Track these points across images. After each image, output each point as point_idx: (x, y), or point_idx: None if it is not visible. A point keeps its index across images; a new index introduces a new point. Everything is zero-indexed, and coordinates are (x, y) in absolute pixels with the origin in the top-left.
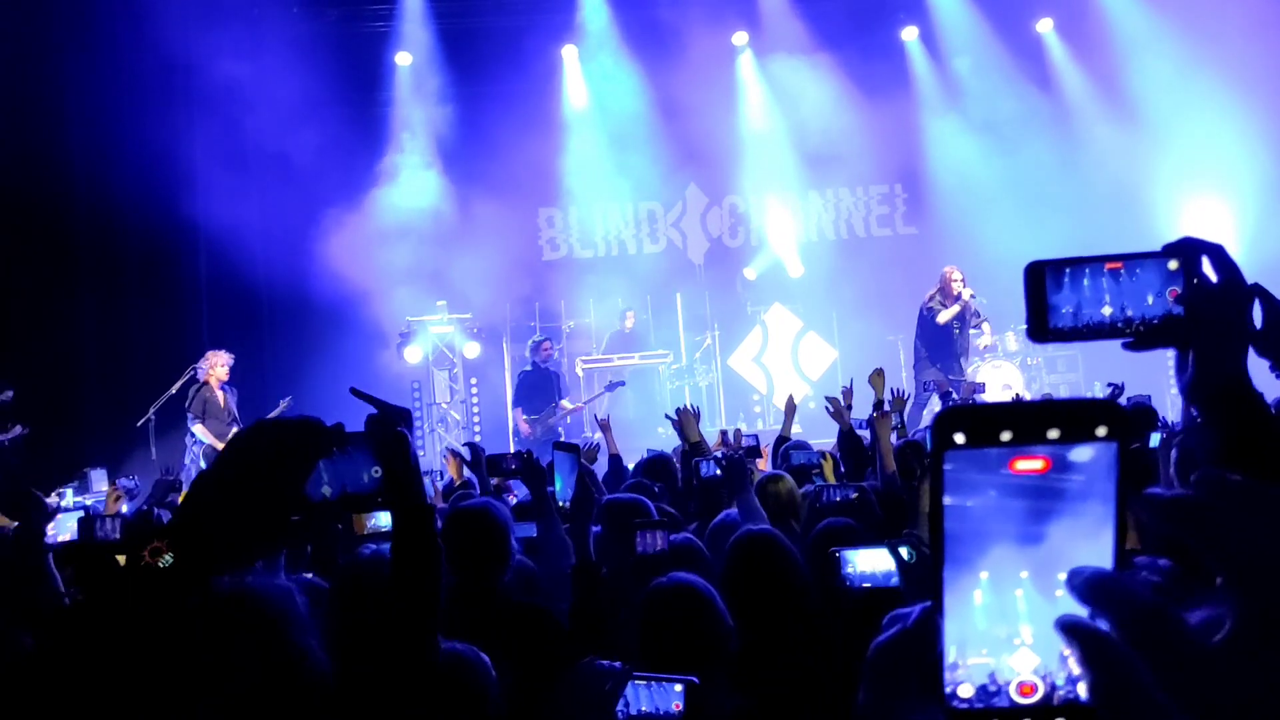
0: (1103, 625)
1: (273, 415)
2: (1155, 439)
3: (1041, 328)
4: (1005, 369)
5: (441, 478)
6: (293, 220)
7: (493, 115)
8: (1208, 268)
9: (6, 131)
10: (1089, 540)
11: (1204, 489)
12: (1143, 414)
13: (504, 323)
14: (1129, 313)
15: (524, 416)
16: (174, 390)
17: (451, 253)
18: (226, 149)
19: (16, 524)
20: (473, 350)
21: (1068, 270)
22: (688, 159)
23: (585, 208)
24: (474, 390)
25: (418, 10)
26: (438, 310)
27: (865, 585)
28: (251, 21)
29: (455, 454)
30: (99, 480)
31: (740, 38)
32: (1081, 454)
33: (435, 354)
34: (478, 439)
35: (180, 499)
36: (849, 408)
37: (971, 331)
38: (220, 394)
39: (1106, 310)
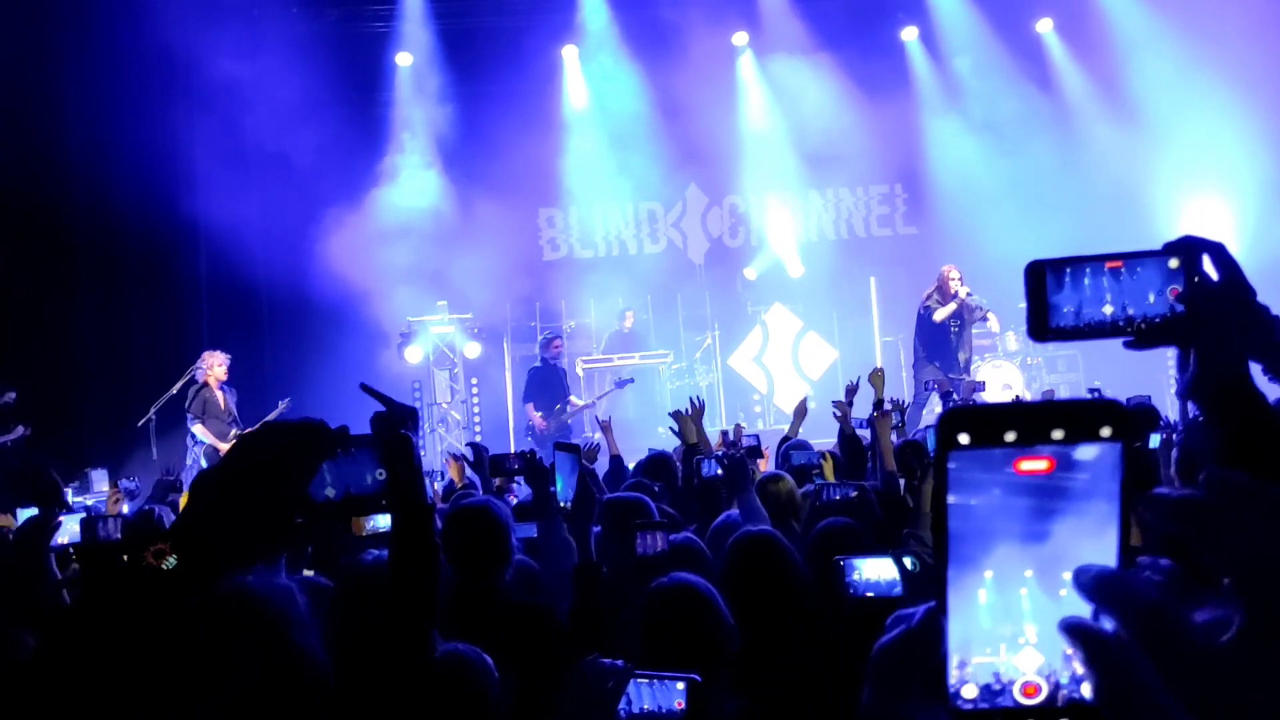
0: (1107, 625)
1: (271, 416)
2: (1155, 439)
3: (1042, 327)
4: (1005, 369)
5: (442, 478)
6: (293, 220)
7: (493, 115)
8: (1208, 266)
9: (6, 131)
10: (1093, 539)
11: (1210, 489)
12: (1144, 414)
13: (504, 323)
14: (1130, 311)
15: (537, 412)
16: (174, 390)
17: (452, 253)
18: (227, 149)
19: (23, 520)
20: (473, 350)
21: (1068, 269)
22: (688, 159)
23: (585, 208)
24: (474, 390)
25: (418, 10)
26: (438, 310)
27: (869, 594)
28: (251, 21)
29: (457, 458)
30: (100, 480)
31: (740, 38)
32: (1086, 453)
33: (436, 354)
34: (478, 439)
35: (181, 499)
36: (849, 404)
37: (975, 330)
38: (220, 394)
39: (1108, 309)
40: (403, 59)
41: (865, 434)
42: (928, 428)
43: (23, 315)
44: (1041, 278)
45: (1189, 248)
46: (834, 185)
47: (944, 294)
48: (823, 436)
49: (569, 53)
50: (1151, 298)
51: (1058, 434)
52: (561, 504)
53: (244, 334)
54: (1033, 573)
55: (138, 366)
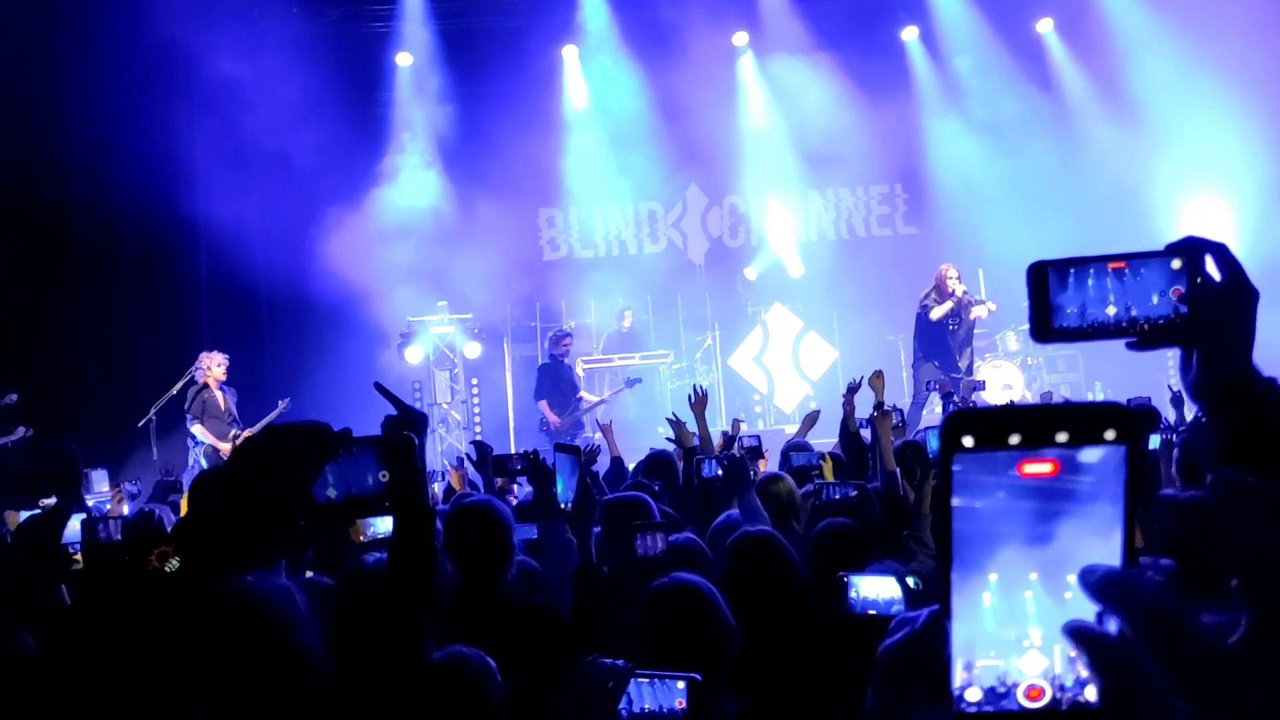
0: (1111, 628)
1: (272, 416)
2: (1155, 440)
3: (1045, 328)
4: (1005, 369)
5: (442, 479)
6: (293, 220)
7: (493, 115)
8: (1211, 267)
9: (6, 131)
10: (1098, 541)
11: (1218, 491)
12: (1145, 415)
13: (505, 323)
14: (1133, 312)
15: (551, 409)
16: (174, 391)
17: (452, 253)
18: (227, 149)
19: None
20: (473, 350)
21: (1071, 270)
22: (688, 159)
23: (585, 208)
24: (475, 390)
25: (418, 10)
26: (438, 310)
27: (870, 612)
28: (251, 21)
29: (459, 466)
30: (100, 481)
31: (740, 38)
32: (1090, 455)
33: (436, 354)
34: (479, 439)
35: (182, 500)
36: (852, 404)
37: (972, 315)
38: (219, 394)
39: (1111, 310)
40: (403, 59)
41: (865, 434)
42: (927, 428)
43: (23, 315)
44: (1044, 278)
45: (1192, 248)
46: (834, 185)
47: (941, 293)
48: (823, 437)
49: (569, 53)
50: (1155, 299)
51: (1062, 437)
52: (562, 505)
53: (244, 334)
54: (1037, 575)
55: (138, 367)
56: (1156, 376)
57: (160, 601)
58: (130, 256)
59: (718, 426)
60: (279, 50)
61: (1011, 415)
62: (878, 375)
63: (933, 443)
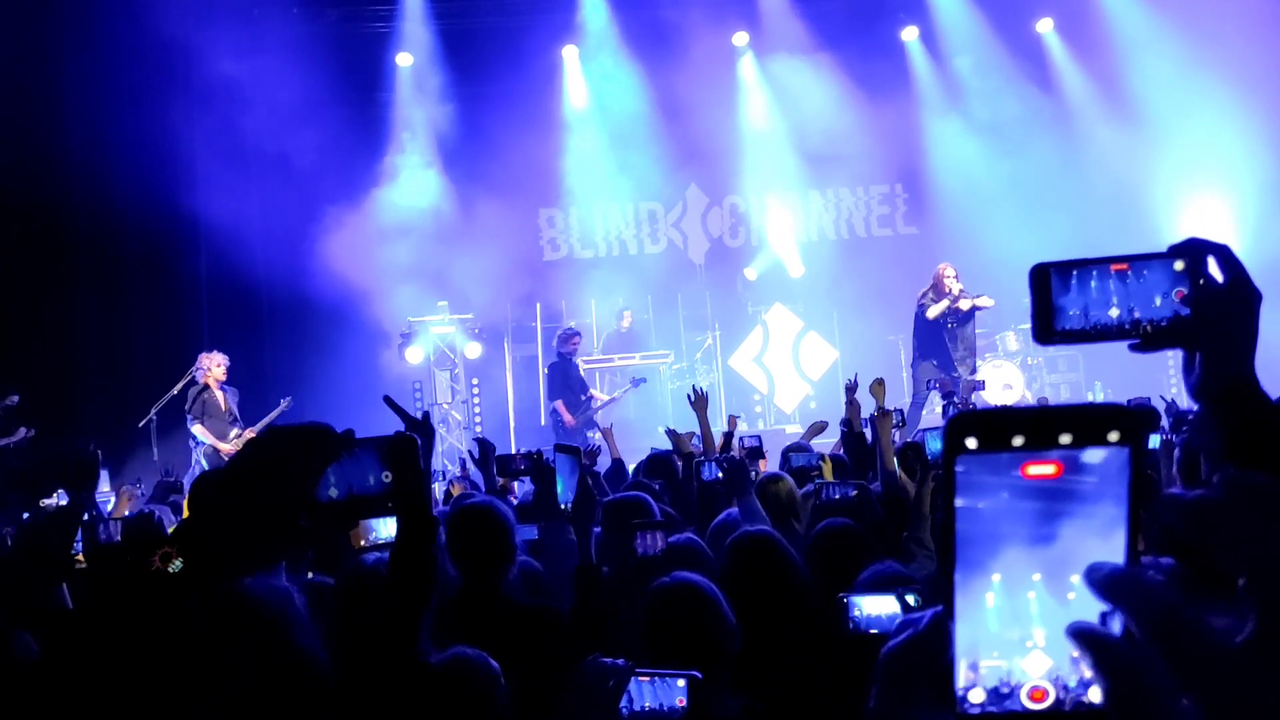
0: (1116, 627)
1: (273, 415)
2: (1155, 440)
3: (1047, 330)
4: (1005, 369)
5: (443, 479)
6: (293, 220)
7: (493, 115)
8: (1214, 268)
9: (6, 131)
10: (1102, 542)
11: (1225, 490)
12: (1145, 416)
13: (505, 323)
14: (1136, 314)
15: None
16: (175, 391)
17: (452, 253)
18: (227, 148)
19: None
20: (474, 350)
21: (1074, 272)
22: (688, 159)
23: (586, 208)
24: (475, 391)
25: (418, 10)
26: (439, 310)
27: (873, 630)
28: (251, 21)
29: (462, 469)
30: (100, 482)
31: (741, 38)
32: (1094, 456)
33: (436, 354)
34: (481, 436)
35: (184, 500)
36: (851, 394)
37: (967, 303)
38: (220, 394)
39: (1113, 312)
40: (403, 59)
41: (867, 434)
42: (926, 430)
43: (23, 315)
44: (1046, 280)
45: (1195, 250)
46: (834, 185)
47: (939, 292)
48: (822, 438)
49: (569, 53)
50: (1158, 300)
51: (1065, 438)
52: (562, 505)
53: (244, 334)
54: (1041, 576)
55: (138, 367)
56: (1156, 377)
57: (161, 603)
58: (130, 256)
59: (718, 426)
60: (279, 50)
61: (1015, 417)
62: (879, 383)
63: (931, 444)
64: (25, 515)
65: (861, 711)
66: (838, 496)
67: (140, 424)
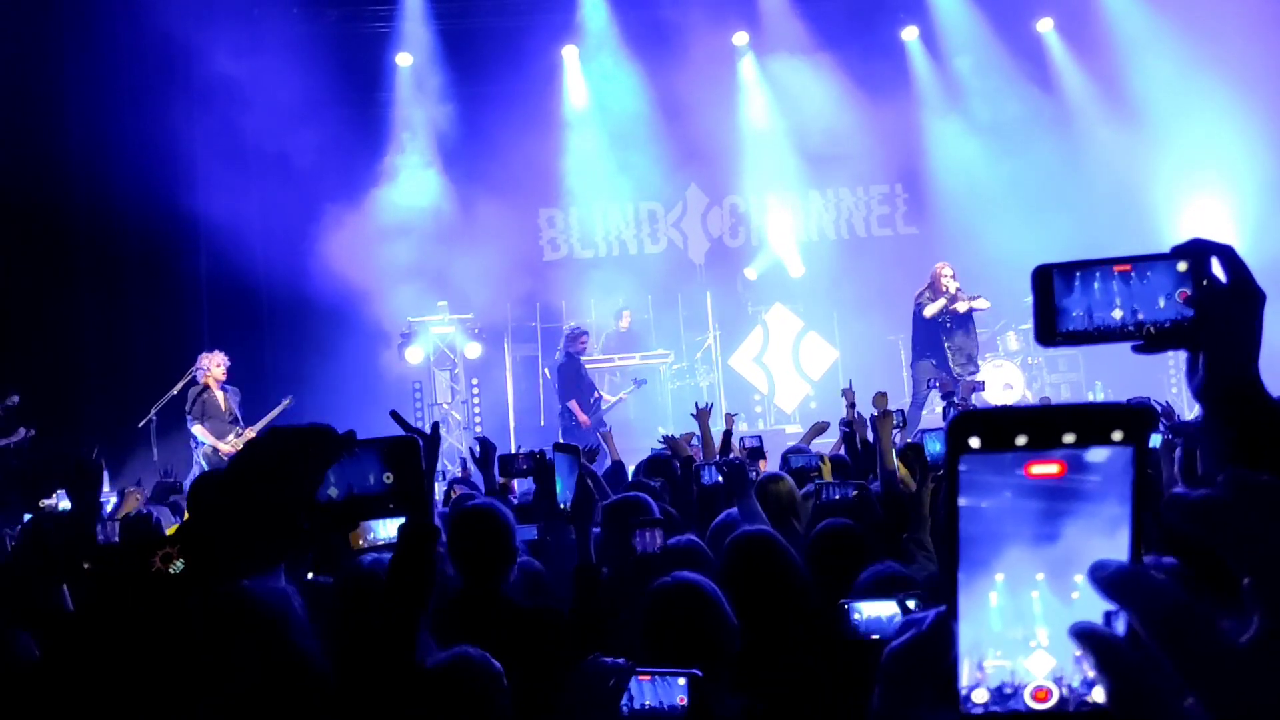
0: (1120, 627)
1: (274, 414)
2: (1156, 439)
3: (1050, 331)
4: (1006, 368)
5: (444, 479)
6: (293, 220)
7: (493, 115)
8: (1217, 269)
9: (6, 131)
10: (1105, 541)
11: (1231, 489)
12: (1149, 415)
13: (505, 323)
14: (1139, 315)
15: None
16: (175, 391)
17: (452, 253)
18: (227, 148)
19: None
20: (474, 350)
21: (1077, 273)
22: (688, 159)
23: (586, 208)
24: (475, 391)
25: (418, 10)
26: (439, 310)
27: (874, 636)
28: (251, 20)
29: (463, 470)
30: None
31: (741, 38)
32: (1098, 455)
33: (436, 354)
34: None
35: (183, 501)
36: (852, 406)
37: (964, 305)
38: (220, 394)
39: (1117, 313)
40: (403, 59)
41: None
42: (925, 430)
43: (23, 315)
44: (1049, 281)
45: (1198, 250)
46: (834, 185)
47: (935, 291)
48: (822, 438)
49: (569, 53)
50: (1161, 302)
51: (1069, 437)
52: (561, 506)
53: (244, 334)
54: (1044, 575)
55: (138, 367)
56: (1157, 377)
57: (161, 603)
58: (130, 256)
59: (719, 426)
60: (279, 50)
61: (1018, 416)
62: (881, 396)
63: (931, 446)
64: (26, 515)
65: (861, 714)
66: (838, 497)
67: (140, 424)
